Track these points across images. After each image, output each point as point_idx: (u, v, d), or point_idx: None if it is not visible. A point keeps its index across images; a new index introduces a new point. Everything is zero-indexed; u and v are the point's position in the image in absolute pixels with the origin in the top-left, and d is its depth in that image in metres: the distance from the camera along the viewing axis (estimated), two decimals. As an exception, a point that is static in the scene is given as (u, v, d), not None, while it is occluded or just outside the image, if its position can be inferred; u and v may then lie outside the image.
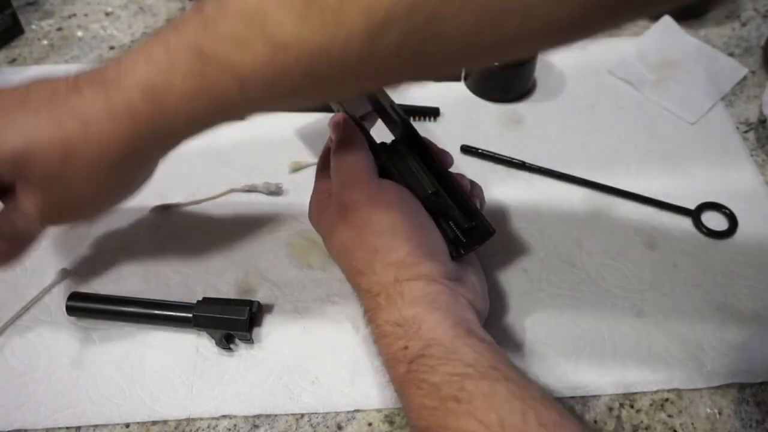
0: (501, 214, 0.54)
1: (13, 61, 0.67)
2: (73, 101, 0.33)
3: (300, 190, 0.55)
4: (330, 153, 0.47)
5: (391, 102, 0.47)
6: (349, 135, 0.45)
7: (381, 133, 0.48)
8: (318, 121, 0.61)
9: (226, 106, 0.34)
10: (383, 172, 0.44)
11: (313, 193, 0.48)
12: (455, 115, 0.62)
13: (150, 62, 0.32)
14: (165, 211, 0.54)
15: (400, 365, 0.37)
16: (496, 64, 0.60)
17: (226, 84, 0.32)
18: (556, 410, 0.34)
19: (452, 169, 0.46)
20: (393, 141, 0.47)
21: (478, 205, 0.45)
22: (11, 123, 0.34)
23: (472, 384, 0.34)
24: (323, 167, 0.48)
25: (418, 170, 0.45)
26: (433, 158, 0.45)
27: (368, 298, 0.41)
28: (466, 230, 0.44)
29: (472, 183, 0.47)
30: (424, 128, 0.60)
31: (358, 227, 0.42)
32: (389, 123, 0.48)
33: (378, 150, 0.45)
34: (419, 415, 0.35)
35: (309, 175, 0.56)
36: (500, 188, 0.56)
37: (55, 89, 0.34)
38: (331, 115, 0.47)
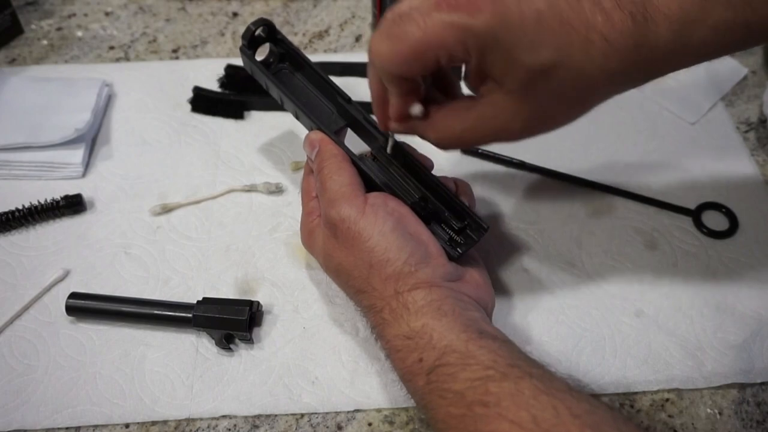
0: (501, 214, 0.54)
1: (12, 61, 0.67)
2: (605, 28, 0.33)
3: (300, 190, 0.55)
4: (311, 174, 0.46)
5: (364, 114, 0.46)
6: (328, 151, 0.44)
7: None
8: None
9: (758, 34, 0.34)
10: (368, 184, 0.44)
11: (302, 216, 0.47)
12: (455, 115, 0.62)
13: None
14: (165, 211, 0.54)
15: (418, 378, 0.37)
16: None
17: None
18: (585, 399, 0.33)
19: (452, 170, 0.46)
20: (372, 152, 0.46)
21: (467, 204, 0.45)
22: (544, 31, 0.33)
23: (496, 386, 0.34)
24: (307, 190, 0.47)
25: (402, 177, 0.45)
26: (415, 163, 0.45)
27: (372, 314, 0.41)
28: (460, 230, 0.43)
29: (458, 182, 0.46)
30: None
31: (349, 246, 0.41)
32: (364, 135, 0.47)
33: (359, 163, 0.44)
34: (447, 425, 0.35)
35: (309, 175, 0.56)
36: (500, 188, 0.56)
37: (593, 15, 0.33)
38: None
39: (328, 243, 0.43)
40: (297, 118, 0.48)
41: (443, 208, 0.44)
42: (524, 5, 0.33)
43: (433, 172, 0.46)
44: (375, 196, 0.42)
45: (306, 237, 0.46)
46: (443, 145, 0.40)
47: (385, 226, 0.40)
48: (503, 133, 0.37)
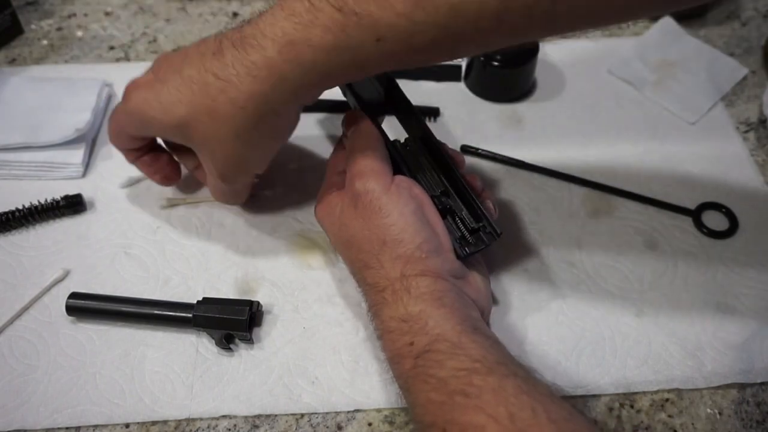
0: (501, 214, 0.54)
1: (12, 61, 0.67)
2: (216, 66, 0.38)
3: (300, 190, 0.55)
4: (342, 150, 0.47)
5: (407, 101, 0.47)
6: (365, 129, 0.45)
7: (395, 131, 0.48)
8: (319, 121, 0.61)
9: (362, 60, 0.36)
10: (395, 169, 0.45)
11: (323, 186, 0.47)
12: (455, 115, 0.62)
13: (291, 17, 0.36)
14: (171, 205, 0.54)
15: (406, 361, 0.37)
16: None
17: (364, 37, 0.34)
18: (564, 407, 0.34)
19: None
20: (406, 139, 0.48)
21: (492, 206, 0.45)
22: (174, 94, 0.39)
23: (480, 379, 0.34)
24: (334, 164, 0.48)
25: (429, 169, 0.46)
26: (444, 158, 0.45)
27: (374, 292, 0.41)
28: (473, 231, 0.44)
29: (484, 188, 0.47)
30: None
31: (367, 218, 0.42)
32: (403, 121, 0.49)
33: (391, 147, 0.45)
34: (425, 410, 0.35)
35: (310, 175, 0.56)
36: (500, 188, 0.56)
37: (203, 55, 0.39)
38: (331, 115, 0.48)
39: (346, 212, 0.43)
40: (344, 95, 0.49)
41: (462, 207, 0.45)
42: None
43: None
44: (402, 179, 0.43)
45: (322, 206, 0.46)
46: (225, 180, 0.45)
47: (406, 207, 0.41)
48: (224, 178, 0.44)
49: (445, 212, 0.44)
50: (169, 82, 0.40)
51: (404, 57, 0.36)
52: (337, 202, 0.44)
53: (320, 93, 0.40)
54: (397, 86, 0.48)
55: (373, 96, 0.49)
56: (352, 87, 0.48)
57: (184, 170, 0.53)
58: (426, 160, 0.46)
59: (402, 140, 0.48)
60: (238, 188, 0.48)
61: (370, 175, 0.42)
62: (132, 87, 0.43)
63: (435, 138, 0.46)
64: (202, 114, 0.39)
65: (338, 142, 0.49)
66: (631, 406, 0.44)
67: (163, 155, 0.50)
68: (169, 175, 0.51)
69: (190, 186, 0.56)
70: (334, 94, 0.47)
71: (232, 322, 0.45)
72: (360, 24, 0.34)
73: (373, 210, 0.41)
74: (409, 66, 0.39)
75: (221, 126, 0.39)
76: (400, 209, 0.41)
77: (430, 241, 0.41)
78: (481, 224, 0.44)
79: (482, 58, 0.60)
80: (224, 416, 0.44)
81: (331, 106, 0.60)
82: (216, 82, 0.38)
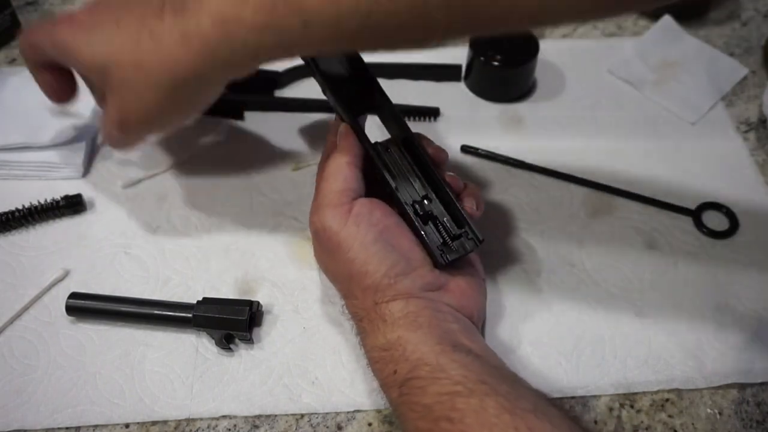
0: (501, 214, 0.54)
1: (12, 61, 0.67)
2: (153, 25, 0.37)
3: (300, 190, 0.55)
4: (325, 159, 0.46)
5: (389, 102, 0.46)
6: (340, 150, 0.44)
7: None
8: (319, 121, 0.61)
9: (289, 43, 0.36)
10: (374, 174, 0.44)
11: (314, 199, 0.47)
12: (455, 115, 0.62)
13: None
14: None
15: (393, 390, 0.38)
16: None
17: (291, 21, 0.34)
18: (548, 420, 0.34)
19: (452, 170, 0.46)
20: (388, 140, 0.47)
21: (474, 206, 0.44)
22: (104, 38, 0.39)
23: (463, 402, 0.34)
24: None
25: (410, 172, 0.45)
26: (426, 161, 0.45)
27: (355, 322, 0.42)
28: (455, 237, 0.43)
29: (466, 184, 0.46)
30: (424, 128, 0.60)
31: (330, 254, 0.42)
32: (385, 122, 0.48)
33: (372, 151, 0.44)
34: None
35: (309, 175, 0.56)
36: (500, 188, 0.56)
37: (143, 15, 0.38)
38: (331, 115, 0.47)
39: (314, 245, 0.44)
40: (324, 94, 0.48)
41: (444, 212, 0.44)
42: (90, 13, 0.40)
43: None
44: (362, 204, 0.42)
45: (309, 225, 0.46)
46: (121, 129, 0.42)
47: (366, 237, 0.41)
48: (132, 127, 0.42)
49: (426, 218, 0.44)
50: (104, 26, 0.40)
51: (333, 43, 0.36)
52: (311, 229, 0.44)
53: (251, 70, 0.39)
54: (379, 87, 0.47)
55: (353, 93, 0.47)
56: (331, 85, 0.46)
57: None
58: (407, 163, 0.45)
59: (384, 141, 0.47)
60: (128, 140, 0.46)
61: (327, 209, 0.42)
62: (66, 21, 0.42)
63: (415, 138, 0.45)
64: (127, 64, 0.38)
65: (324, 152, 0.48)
66: (631, 407, 0.44)
67: (65, 76, 0.48)
68: (62, 97, 0.49)
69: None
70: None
71: (232, 322, 0.45)
72: (287, 6, 0.34)
73: (333, 247, 0.41)
74: (343, 51, 0.39)
75: (142, 80, 0.39)
76: (360, 241, 0.41)
77: (397, 265, 0.41)
78: (463, 230, 0.43)
79: (482, 58, 0.60)
80: (224, 416, 0.44)
81: (331, 106, 0.60)
82: (150, 41, 0.37)
